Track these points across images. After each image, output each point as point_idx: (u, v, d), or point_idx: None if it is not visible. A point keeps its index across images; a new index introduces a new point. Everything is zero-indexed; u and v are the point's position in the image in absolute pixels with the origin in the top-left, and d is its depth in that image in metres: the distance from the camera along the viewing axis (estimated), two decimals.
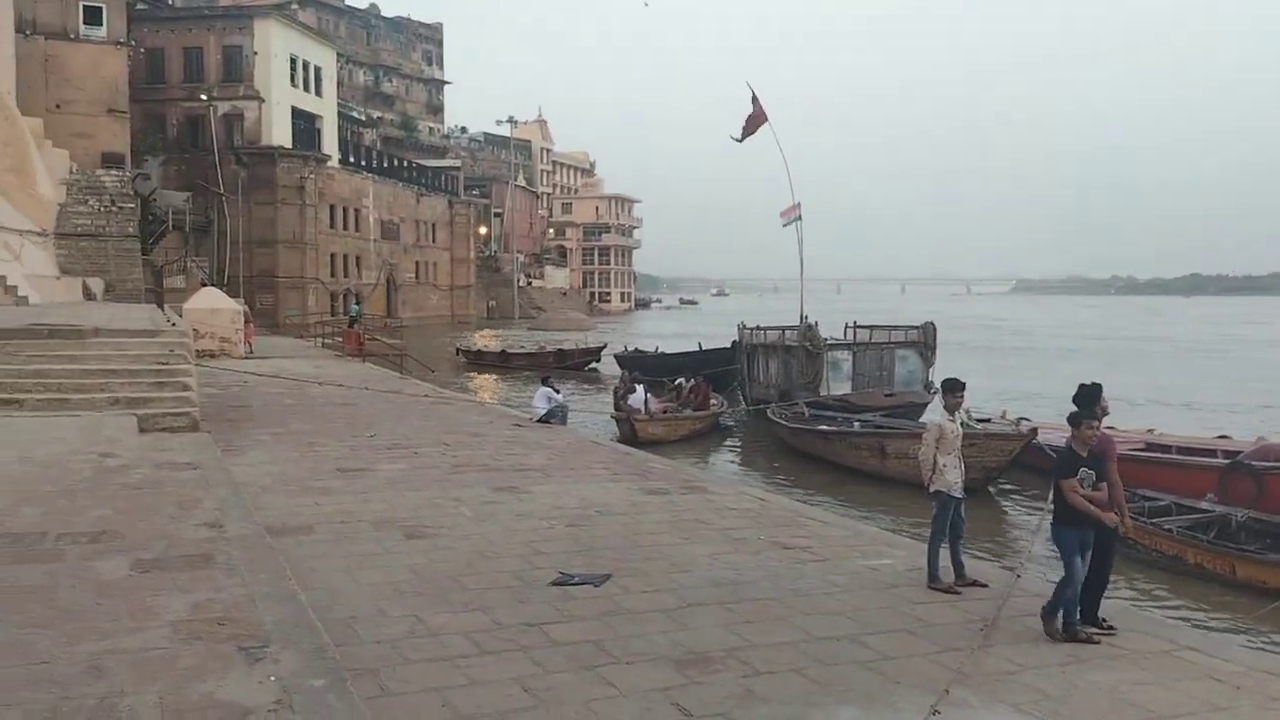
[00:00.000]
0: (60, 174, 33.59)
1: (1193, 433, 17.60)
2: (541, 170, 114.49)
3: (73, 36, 38.57)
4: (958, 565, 7.37)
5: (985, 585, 7.22)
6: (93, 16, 38.86)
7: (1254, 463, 12.58)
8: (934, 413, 20.64)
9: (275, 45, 50.09)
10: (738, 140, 25.60)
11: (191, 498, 7.82)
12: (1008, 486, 15.36)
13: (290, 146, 50.61)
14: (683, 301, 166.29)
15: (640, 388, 20.23)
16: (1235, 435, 16.39)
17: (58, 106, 37.80)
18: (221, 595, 5.33)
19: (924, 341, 23.32)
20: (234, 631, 4.78)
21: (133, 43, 43.23)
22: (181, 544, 6.39)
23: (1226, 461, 13.06)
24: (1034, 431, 14.96)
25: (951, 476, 7.33)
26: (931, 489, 7.39)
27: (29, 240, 29.58)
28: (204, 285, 33.53)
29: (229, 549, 6.29)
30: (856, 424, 18.32)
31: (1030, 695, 5.24)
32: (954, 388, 7.50)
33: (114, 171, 36.40)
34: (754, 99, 25.10)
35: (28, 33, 36.63)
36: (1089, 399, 6.50)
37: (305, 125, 52.91)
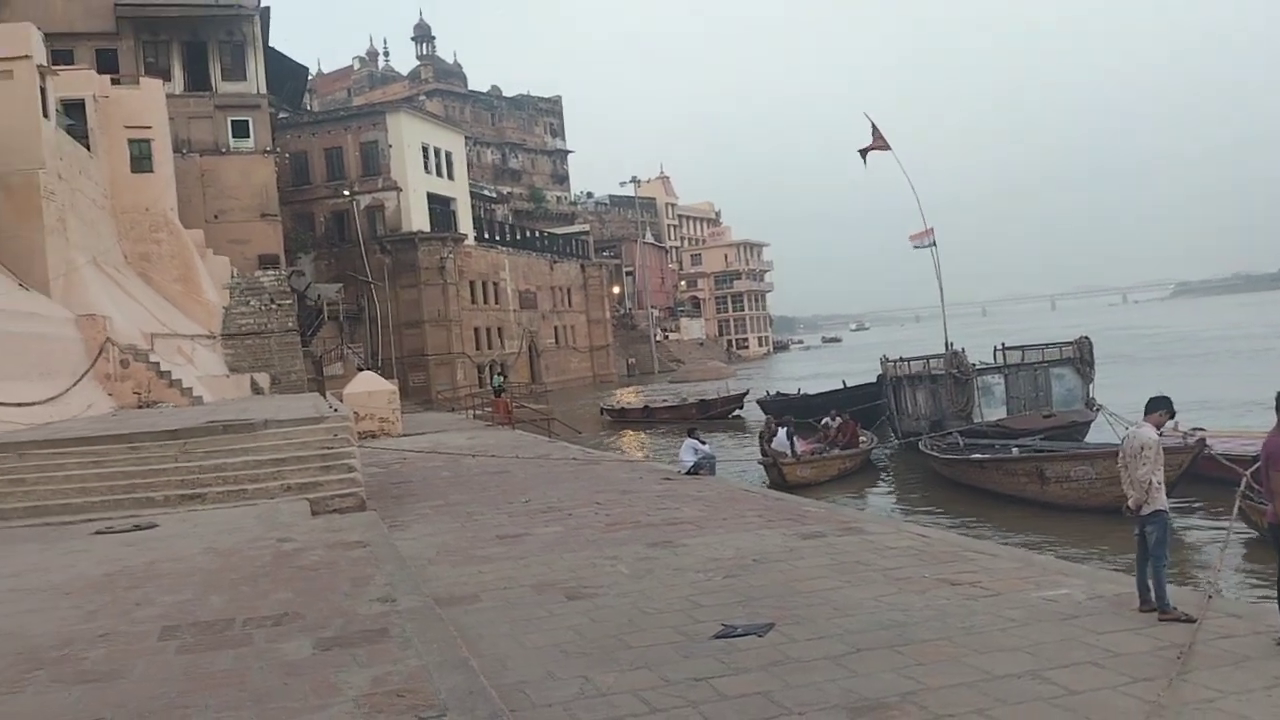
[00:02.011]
0: (222, 279, 35.91)
1: None
2: (668, 225, 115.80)
3: (224, 151, 41.41)
4: (1144, 589, 6.96)
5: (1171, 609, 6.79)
6: (240, 130, 41.67)
7: None
8: (1098, 430, 19.76)
9: (408, 137, 52.52)
10: (863, 152, 25.58)
11: (364, 575, 8.12)
12: (1179, 502, 14.44)
13: (429, 230, 52.70)
14: (825, 340, 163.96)
15: (782, 431, 20.00)
16: None
17: (215, 216, 40.49)
18: (398, 667, 5.50)
19: (1080, 357, 22.32)
20: (412, 702, 4.92)
21: (278, 150, 46.05)
22: (358, 620, 6.63)
23: None
24: (1201, 443, 14.01)
25: (1164, 493, 7.05)
26: (1148, 510, 7.01)
27: (199, 343, 31.66)
28: (360, 370, 35.10)
29: (402, 622, 6.49)
30: (1014, 449, 17.62)
31: None
32: (1164, 407, 7.17)
33: (270, 272, 38.65)
34: (874, 130, 24.94)
35: (184, 152, 39.54)
36: None
37: (441, 208, 55.07)
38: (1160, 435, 7.21)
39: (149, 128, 33.75)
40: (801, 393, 35.76)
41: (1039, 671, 5.76)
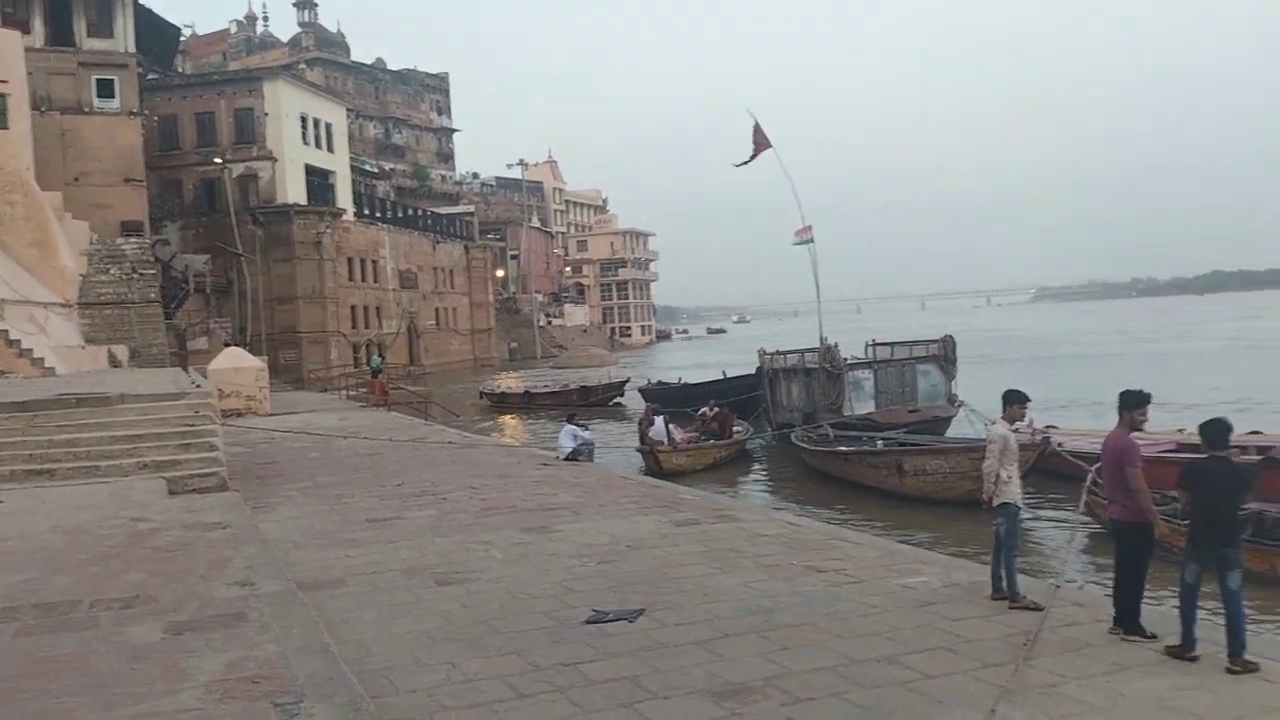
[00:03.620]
0: (81, 245, 34.08)
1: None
2: (555, 210, 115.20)
3: (87, 110, 39.25)
4: (997, 578, 7.26)
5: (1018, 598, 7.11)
6: (105, 89, 39.53)
7: None
8: (959, 426, 20.56)
9: (285, 105, 50.79)
10: (744, 163, 25.80)
11: (222, 557, 7.84)
12: (1033, 496, 15.12)
13: (305, 203, 51.12)
14: (710, 331, 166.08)
15: (659, 419, 20.19)
16: (1266, 431, 16.14)
17: (75, 179, 38.36)
18: (254, 653, 5.33)
19: (944, 355, 23.19)
20: (268, 689, 4.77)
21: (145, 112, 43.92)
22: (214, 604, 6.41)
23: (1259, 458, 12.85)
24: (1045, 440, 14.74)
25: (1015, 487, 7.26)
26: (996, 502, 7.24)
27: (53, 312, 30.01)
28: (227, 345, 33.85)
29: (260, 606, 6.29)
30: (879, 442, 18.20)
31: (1076, 707, 5.16)
32: (1017, 399, 7.39)
33: (133, 239, 36.86)
34: (756, 127, 25.27)
35: (43, 109, 37.31)
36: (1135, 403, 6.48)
37: (319, 181, 53.53)
38: (1016, 430, 7.52)
39: (4, 82, 31.81)
40: (682, 382, 36.17)
41: (896, 656, 5.96)
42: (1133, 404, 6.49)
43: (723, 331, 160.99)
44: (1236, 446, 14.14)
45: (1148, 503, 6.31)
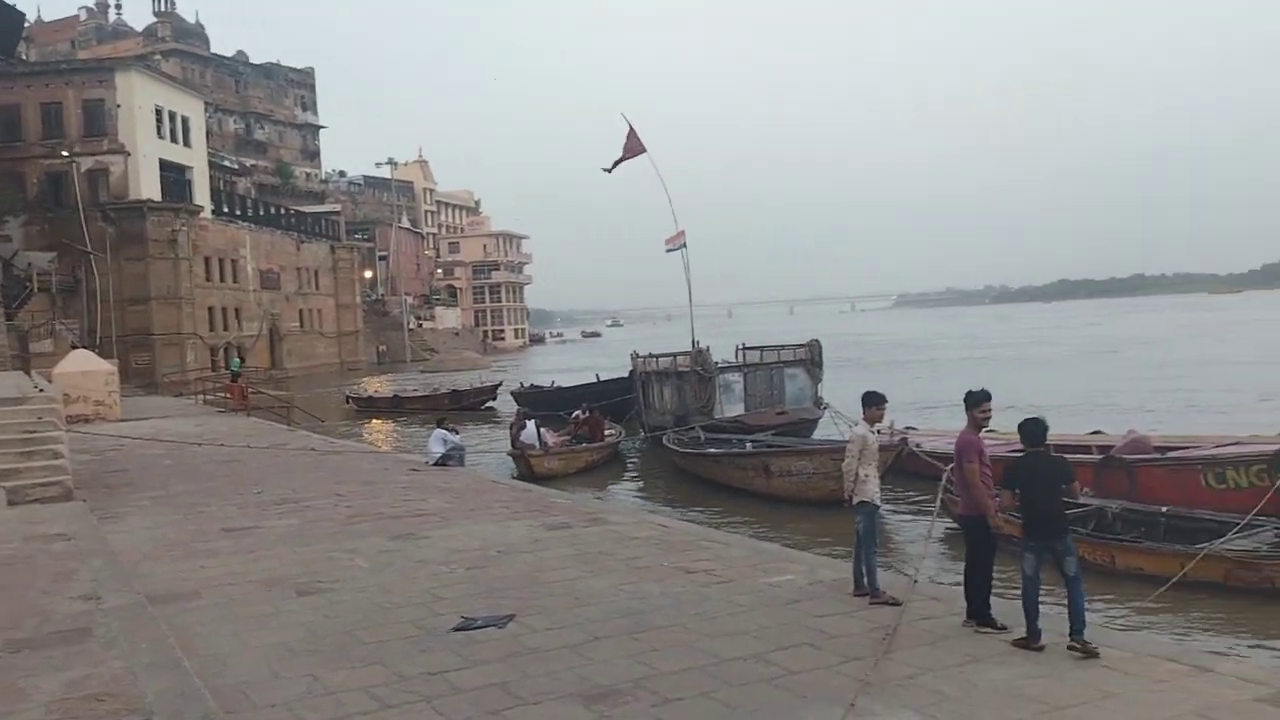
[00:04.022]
0: None
1: (1059, 430, 18.28)
2: (426, 211, 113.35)
3: None
4: (859, 575, 7.47)
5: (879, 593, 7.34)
6: None
7: (1125, 456, 13.17)
8: (825, 428, 21.12)
9: (139, 97, 48.51)
10: (608, 170, 25.89)
11: (65, 570, 7.43)
12: (893, 495, 15.64)
13: (160, 200, 48.94)
14: (585, 334, 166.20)
15: (531, 423, 20.11)
16: (1107, 430, 17.09)
17: None
18: (99, 670, 5.07)
19: (811, 359, 23.78)
20: (113, 707, 4.54)
21: None
22: (55, 619, 6.08)
23: (1101, 456, 13.63)
24: (903, 441, 15.28)
25: (873, 486, 7.44)
26: (855, 501, 7.42)
27: None
28: (74, 348, 32.07)
29: (107, 621, 5.99)
30: (748, 444, 18.53)
31: (931, 698, 5.35)
32: (875, 401, 7.58)
33: None
34: (630, 131, 25.36)
35: None
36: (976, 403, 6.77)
37: (175, 177, 51.33)
38: (876, 431, 7.77)
39: None
40: (555, 385, 36.06)
41: (763, 654, 6.07)
42: (974, 402, 6.81)
43: (597, 335, 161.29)
44: (1081, 446, 15.01)
45: (981, 496, 6.61)
